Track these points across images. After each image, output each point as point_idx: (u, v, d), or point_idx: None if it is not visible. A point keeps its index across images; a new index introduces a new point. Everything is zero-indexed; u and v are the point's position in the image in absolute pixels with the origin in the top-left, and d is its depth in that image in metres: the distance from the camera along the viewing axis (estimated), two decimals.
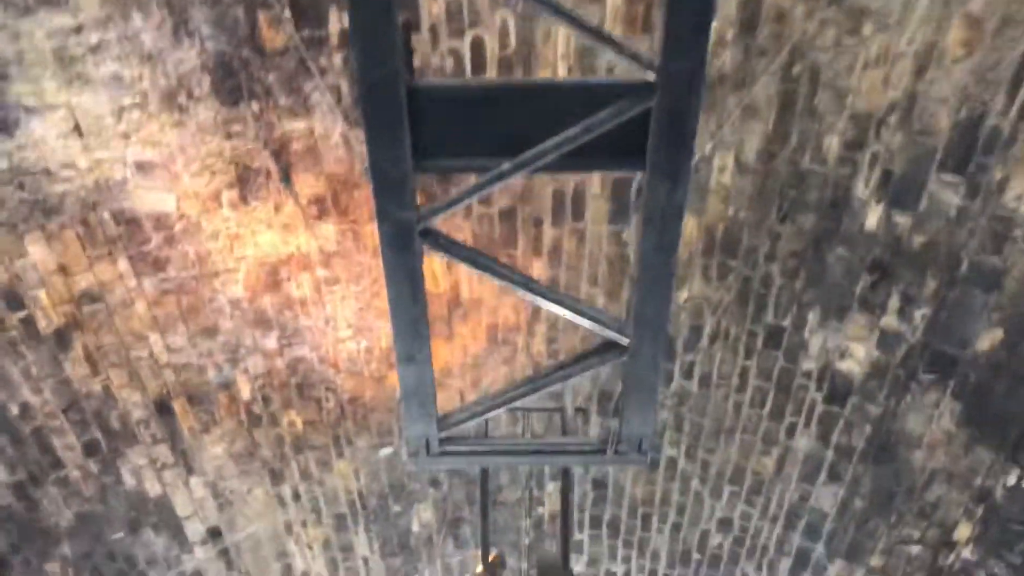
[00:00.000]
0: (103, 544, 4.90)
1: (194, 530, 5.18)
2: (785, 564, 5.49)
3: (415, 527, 5.78)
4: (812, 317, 4.23)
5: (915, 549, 4.89)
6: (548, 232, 4.21)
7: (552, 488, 5.58)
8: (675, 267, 2.49)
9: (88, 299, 3.98)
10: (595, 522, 5.79)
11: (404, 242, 2.40)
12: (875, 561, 5.10)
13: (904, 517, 4.79)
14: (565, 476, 3.59)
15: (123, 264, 3.94)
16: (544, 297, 2.62)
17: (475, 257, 2.59)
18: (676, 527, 5.62)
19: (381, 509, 5.61)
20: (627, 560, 6.00)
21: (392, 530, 5.78)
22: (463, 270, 4.37)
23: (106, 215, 3.76)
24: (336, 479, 5.33)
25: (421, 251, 2.45)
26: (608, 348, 2.77)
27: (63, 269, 3.84)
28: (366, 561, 5.94)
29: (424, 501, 5.63)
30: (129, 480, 4.73)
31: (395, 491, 5.52)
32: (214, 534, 5.28)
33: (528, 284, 2.60)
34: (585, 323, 2.66)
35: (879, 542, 4.97)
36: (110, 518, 4.83)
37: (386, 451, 4.49)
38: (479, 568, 3.88)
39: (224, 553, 5.41)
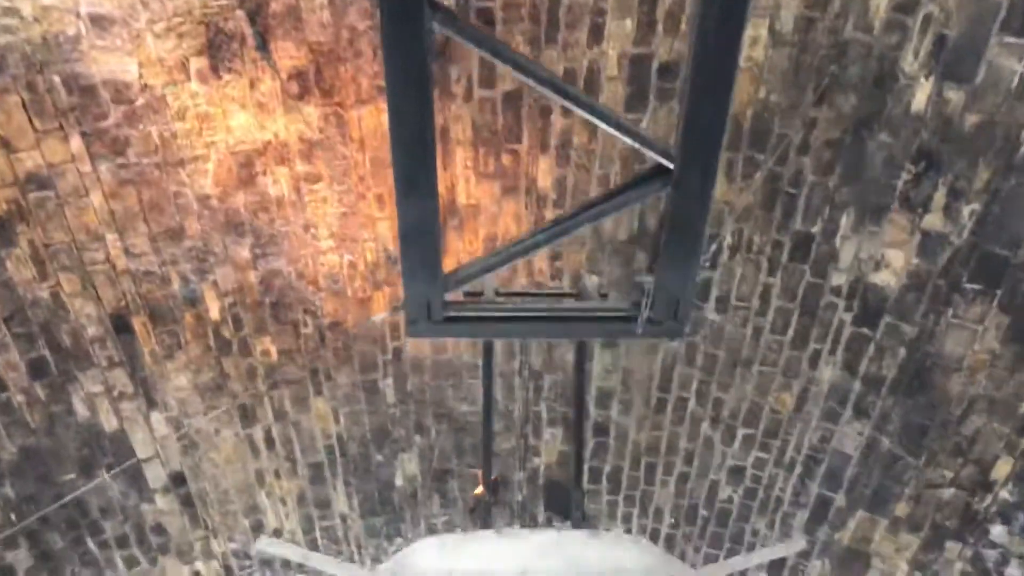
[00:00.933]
0: (51, 485, 4.38)
1: (155, 475, 4.67)
2: (800, 517, 5.07)
3: (399, 481, 5.30)
4: (845, 221, 3.83)
5: (947, 493, 4.49)
6: (557, 124, 3.79)
7: (549, 436, 5.13)
8: (736, 63, 2.08)
9: (35, 184, 3.50)
10: (595, 475, 5.33)
11: (410, 12, 1.96)
12: (901, 510, 4.69)
13: (936, 456, 4.39)
14: (580, 351, 3.12)
15: (76, 143, 3.46)
16: (576, 102, 2.19)
17: (493, 44, 2.17)
18: (683, 478, 5.18)
19: (362, 458, 5.12)
20: (628, 519, 5.55)
21: (373, 484, 5.30)
22: (460, 170, 3.94)
23: (56, 79, 3.29)
24: (313, 421, 4.85)
25: (431, 27, 2.02)
26: (650, 178, 2.35)
27: (5, 144, 3.36)
28: (344, 519, 5.44)
29: (409, 450, 5.16)
30: (81, 411, 4.23)
31: (377, 437, 5.04)
32: (177, 481, 4.77)
33: (556, 84, 2.18)
34: (625, 139, 2.24)
35: (907, 487, 4.57)
36: (59, 455, 4.31)
37: (379, 316, 4.03)
38: (479, 489, 3.44)
39: (188, 504, 4.90)
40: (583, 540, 3.14)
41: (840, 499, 4.83)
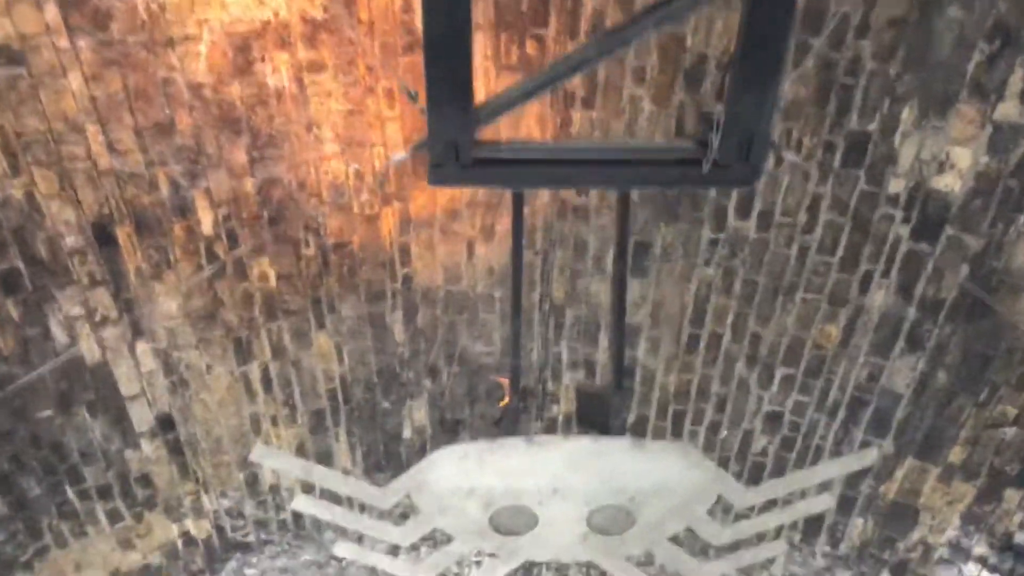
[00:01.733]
0: (26, 422, 3.97)
1: (140, 416, 4.27)
2: None
3: (406, 432, 4.90)
4: (907, 115, 3.46)
5: (1009, 433, 4.11)
6: (588, 4, 3.42)
7: (569, 380, 4.73)
8: None
9: (5, 59, 3.12)
10: (616, 428, 4.92)
11: None
12: (956, 456, 4.30)
13: (998, 391, 4.00)
14: (623, 204, 2.69)
15: (52, 12, 3.09)
16: None
17: None
18: (713, 428, 4.78)
19: (367, 405, 4.72)
20: None
21: (379, 435, 4.89)
22: (480, 60, 3.56)
23: None
24: (315, 359, 4.45)
25: None
26: None
27: None
28: (347, 474, 5.02)
29: (418, 397, 4.75)
30: (60, 336, 3.83)
31: (385, 381, 4.64)
32: (165, 425, 4.36)
33: None
34: None
35: (963, 429, 4.18)
36: (35, 387, 3.91)
37: (398, 156, 3.62)
38: (505, 400, 3.03)
39: (176, 452, 4.49)
40: (624, 449, 2.74)
41: (887, 446, 4.44)
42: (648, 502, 2.86)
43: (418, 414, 4.82)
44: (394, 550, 3.06)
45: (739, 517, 3.11)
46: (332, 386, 4.57)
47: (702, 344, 4.46)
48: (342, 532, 4.83)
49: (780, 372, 4.42)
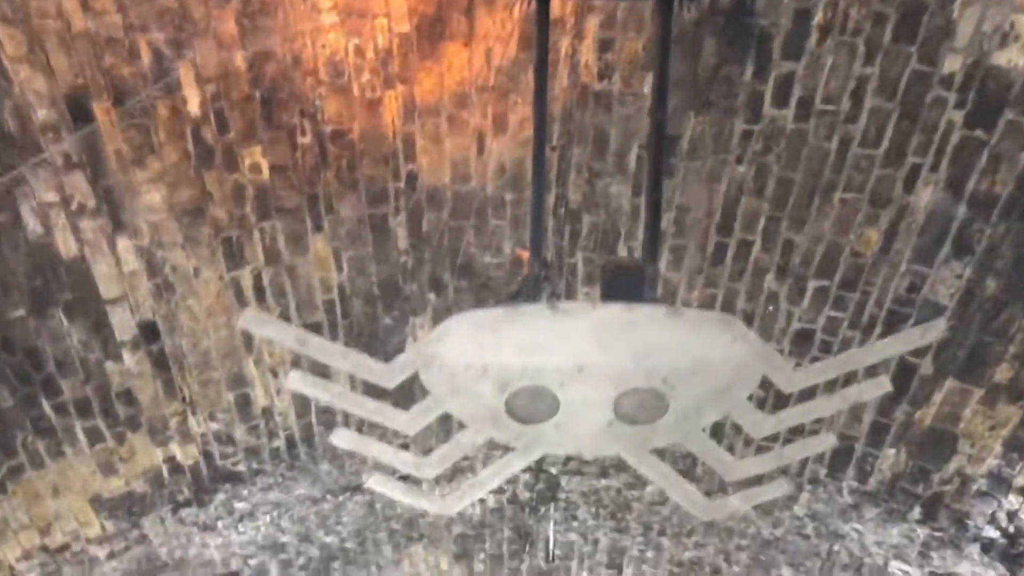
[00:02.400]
0: None
1: (122, 322, 3.94)
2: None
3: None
4: None
5: None
6: None
7: (583, 297, 4.41)
8: None
9: None
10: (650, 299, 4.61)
11: None
12: (1002, 374, 3.99)
13: None
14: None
15: None
16: None
17: None
18: None
19: (368, 321, 4.40)
20: None
21: (380, 356, 4.55)
22: None
23: None
24: (311, 266, 4.12)
25: None
26: None
27: None
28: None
29: (422, 313, 4.44)
30: (33, 225, 3.51)
31: (386, 293, 4.32)
32: (148, 334, 4.04)
33: None
34: None
35: (1011, 344, 3.87)
36: (5, 282, 3.59)
37: None
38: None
39: (161, 366, 4.18)
40: (658, 319, 2.41)
41: (926, 365, 4.13)
42: (683, 384, 2.53)
43: (421, 332, 4.50)
44: (398, 438, 2.74)
45: (782, 405, 2.78)
46: (330, 297, 4.24)
47: (729, 254, 4.14)
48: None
49: (813, 285, 4.10)
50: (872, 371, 3.22)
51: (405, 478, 2.84)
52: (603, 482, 5.36)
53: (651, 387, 2.54)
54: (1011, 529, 4.43)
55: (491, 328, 2.43)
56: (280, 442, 4.80)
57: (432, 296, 4.38)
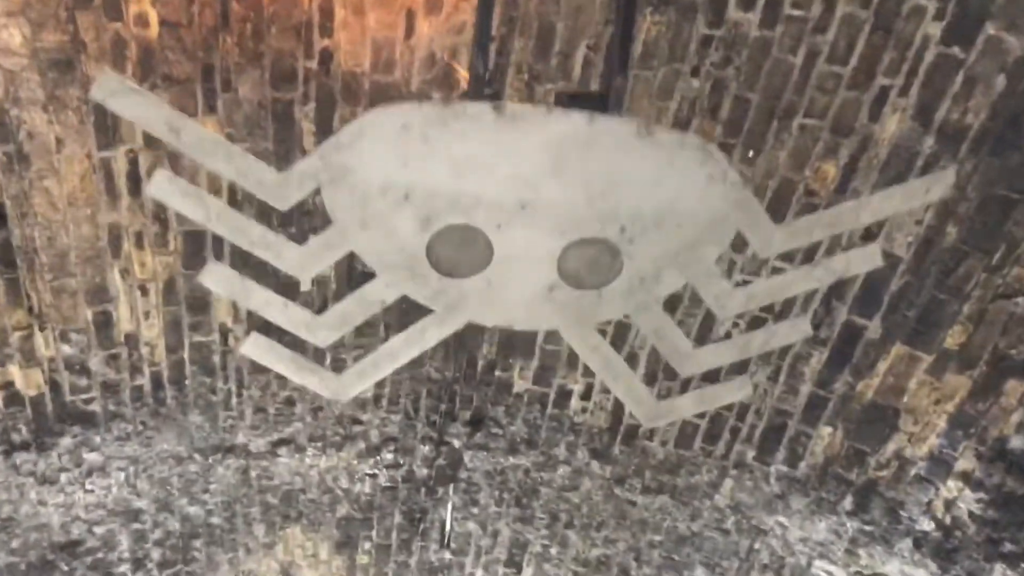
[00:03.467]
0: None
1: None
2: (816, 360, 4.02)
3: (304, 284, 4.00)
4: None
5: (1021, 304, 3.53)
6: None
7: None
8: None
9: None
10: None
11: None
12: (953, 339, 3.70)
13: (1016, 250, 3.43)
14: None
15: None
16: None
17: None
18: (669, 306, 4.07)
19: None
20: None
21: (272, 281, 3.98)
22: None
23: None
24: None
25: None
26: None
27: None
28: (226, 336, 4.10)
29: (322, 232, 3.88)
30: None
31: None
32: None
33: None
34: None
35: (967, 302, 3.58)
36: None
37: None
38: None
39: (7, 263, 3.51)
40: (625, 140, 1.96)
41: (874, 328, 3.81)
42: (644, 237, 2.08)
43: None
44: (288, 290, 2.19)
45: (754, 273, 2.36)
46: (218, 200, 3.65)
47: None
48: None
49: None
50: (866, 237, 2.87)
51: (293, 343, 2.28)
52: (511, 460, 4.84)
53: (606, 239, 2.09)
54: (947, 520, 4.10)
55: (420, 132, 1.94)
56: (144, 380, 4.13)
57: None
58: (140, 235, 3.66)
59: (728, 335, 3.92)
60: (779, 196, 3.64)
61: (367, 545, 5.26)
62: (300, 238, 2.09)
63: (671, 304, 3.70)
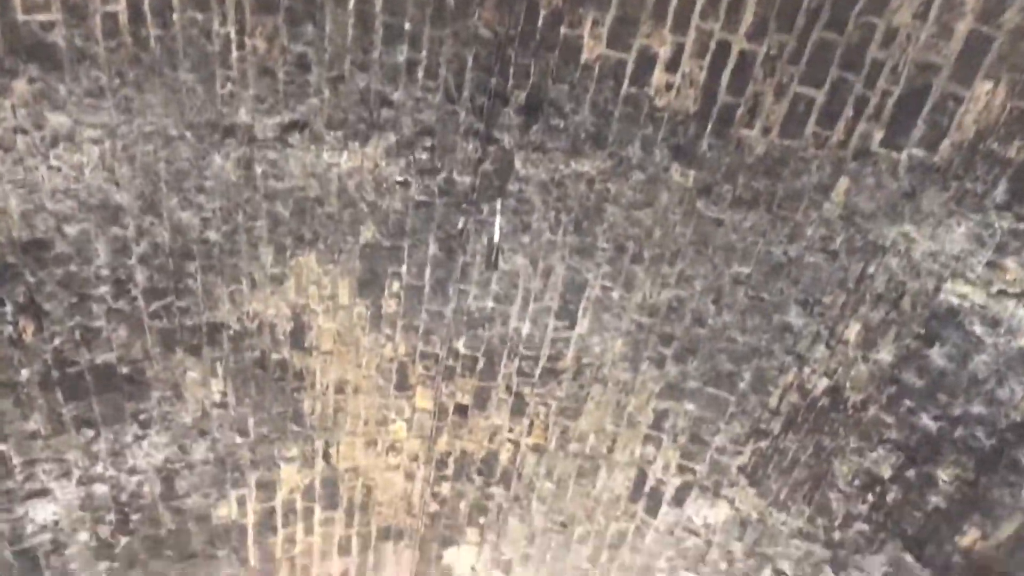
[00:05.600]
0: None
1: None
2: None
3: None
4: None
5: None
6: None
7: None
8: None
9: None
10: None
11: None
12: None
13: None
14: None
15: None
16: None
17: None
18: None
19: None
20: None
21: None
22: None
23: None
24: None
25: None
26: None
27: None
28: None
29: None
30: None
31: None
32: None
33: None
34: None
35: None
36: None
37: None
38: None
39: None
40: None
41: None
42: None
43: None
44: None
45: None
46: None
47: None
48: None
49: None
50: None
51: None
52: (572, 166, 3.97)
53: None
54: None
55: None
56: (119, 6, 3.23)
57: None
58: None
59: None
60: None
61: (395, 286, 4.42)
62: None
63: None
